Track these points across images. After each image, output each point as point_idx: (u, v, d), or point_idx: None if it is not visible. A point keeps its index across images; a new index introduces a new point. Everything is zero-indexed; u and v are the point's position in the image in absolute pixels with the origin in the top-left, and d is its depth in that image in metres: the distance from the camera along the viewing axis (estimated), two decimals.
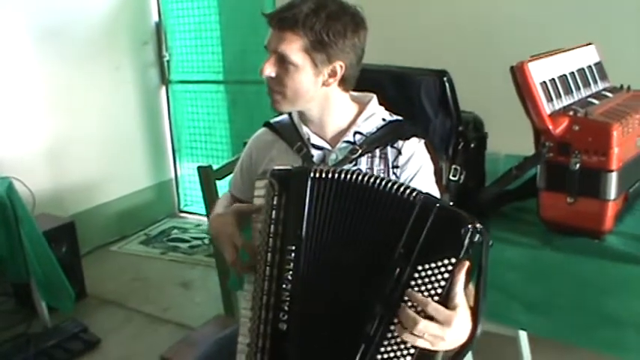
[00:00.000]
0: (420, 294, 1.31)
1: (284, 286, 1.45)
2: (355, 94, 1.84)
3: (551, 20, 3.39)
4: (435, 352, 1.34)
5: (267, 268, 1.47)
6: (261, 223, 1.54)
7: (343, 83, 1.74)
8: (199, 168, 2.42)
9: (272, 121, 1.92)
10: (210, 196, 2.41)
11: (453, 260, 1.29)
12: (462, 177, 2.09)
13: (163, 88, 5.35)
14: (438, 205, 1.35)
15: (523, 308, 2.00)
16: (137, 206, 5.15)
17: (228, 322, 1.69)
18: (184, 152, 5.47)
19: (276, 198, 1.49)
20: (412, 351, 1.34)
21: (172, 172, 5.52)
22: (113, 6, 4.84)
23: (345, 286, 1.42)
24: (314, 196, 1.46)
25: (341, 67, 1.68)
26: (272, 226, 1.48)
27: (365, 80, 1.90)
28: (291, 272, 1.45)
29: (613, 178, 1.89)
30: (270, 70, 1.68)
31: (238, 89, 4.82)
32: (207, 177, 2.42)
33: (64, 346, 3.39)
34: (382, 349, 1.35)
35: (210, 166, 2.43)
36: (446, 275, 1.30)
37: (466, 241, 1.30)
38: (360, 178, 1.43)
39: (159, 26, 5.20)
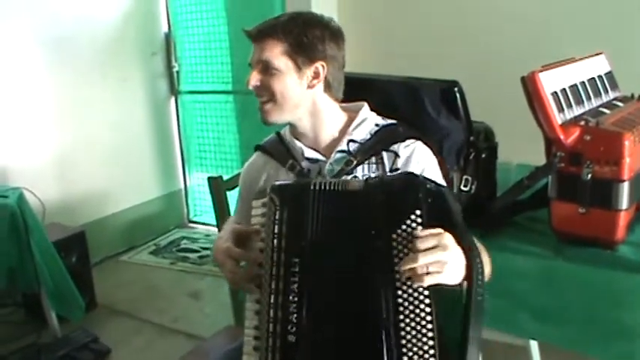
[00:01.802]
0: (404, 253, 1.37)
1: (290, 297, 1.46)
2: (346, 104, 1.86)
3: (562, 30, 3.39)
4: (451, 287, 1.37)
5: (273, 282, 1.48)
6: (262, 241, 1.54)
7: (329, 89, 1.78)
8: (210, 178, 2.42)
9: (261, 143, 1.96)
10: (220, 206, 2.41)
11: (418, 212, 1.39)
12: (474, 187, 2.09)
13: (173, 99, 5.36)
14: (379, 180, 1.52)
15: (534, 318, 1.99)
16: (147, 216, 5.16)
17: (238, 333, 1.68)
18: (194, 162, 5.48)
19: (277, 212, 1.51)
20: (427, 301, 1.36)
21: (182, 183, 5.53)
22: (122, 16, 4.86)
23: (346, 287, 1.45)
24: (315, 209, 1.50)
25: (323, 67, 1.73)
26: (275, 241, 1.50)
27: (375, 91, 1.90)
28: (296, 284, 1.46)
29: (625, 188, 1.88)
30: (255, 79, 1.75)
31: (247, 99, 4.77)
32: (218, 187, 2.41)
33: (74, 356, 3.38)
34: (402, 325, 1.36)
35: (220, 177, 2.43)
36: (420, 228, 1.38)
37: (420, 193, 1.41)
38: (346, 185, 1.53)
39: (168, 37, 5.22)
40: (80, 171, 4.59)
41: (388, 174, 1.73)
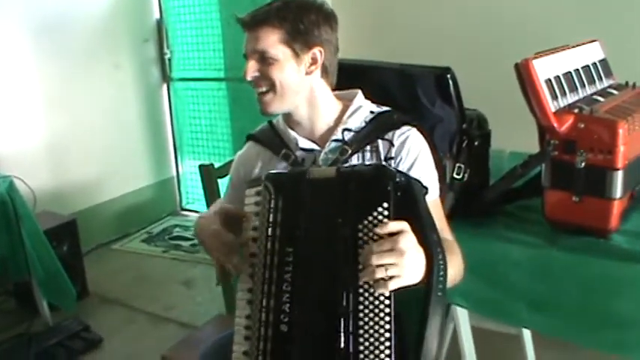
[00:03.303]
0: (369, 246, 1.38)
1: (284, 287, 1.46)
2: (340, 92, 1.84)
3: (556, 17, 3.38)
4: (409, 287, 1.38)
5: (267, 271, 1.48)
6: (255, 230, 1.54)
7: (325, 74, 1.75)
8: (201, 166, 2.41)
9: (253, 132, 1.93)
10: (211, 194, 2.40)
11: (386, 205, 1.40)
12: (466, 175, 2.08)
13: (165, 86, 5.34)
14: (350, 170, 1.53)
15: (528, 307, 1.99)
16: (139, 204, 5.14)
17: (229, 322, 1.68)
18: (186, 150, 5.47)
19: (272, 201, 1.51)
20: (387, 302, 1.37)
21: (174, 170, 5.51)
22: (113, 3, 4.83)
23: (326, 277, 1.46)
24: (309, 198, 1.50)
25: (320, 52, 1.70)
26: (269, 229, 1.50)
27: (368, 78, 1.88)
28: (290, 274, 1.46)
29: (619, 177, 1.86)
30: (253, 70, 1.71)
31: (240, 86, 4.75)
32: (209, 175, 2.40)
33: (65, 344, 3.38)
34: (361, 315, 1.38)
35: (211, 164, 2.42)
36: (386, 221, 1.40)
37: (390, 186, 1.42)
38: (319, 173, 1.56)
39: (160, 23, 5.19)
40: (71, 159, 4.57)
41: (365, 163, 1.73)
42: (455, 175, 2.08)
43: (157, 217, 5.30)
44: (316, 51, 1.70)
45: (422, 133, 1.78)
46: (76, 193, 4.58)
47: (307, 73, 1.71)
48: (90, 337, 3.47)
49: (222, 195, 2.31)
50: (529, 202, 2.18)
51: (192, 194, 5.53)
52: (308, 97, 1.75)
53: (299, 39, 1.67)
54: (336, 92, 1.83)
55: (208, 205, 2.38)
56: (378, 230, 1.37)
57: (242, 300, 1.55)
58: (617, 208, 1.91)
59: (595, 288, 1.87)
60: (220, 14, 4.83)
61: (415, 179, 1.53)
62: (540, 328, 2.07)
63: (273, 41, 1.66)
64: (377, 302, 1.37)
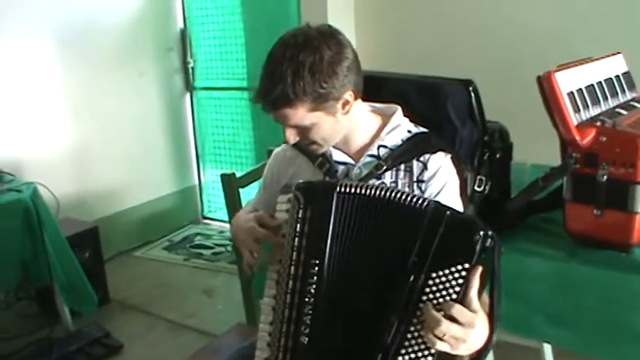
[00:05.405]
0: (435, 300, 1.33)
1: (306, 299, 1.46)
2: (378, 105, 1.82)
3: (579, 29, 3.37)
4: (454, 356, 1.36)
5: (290, 281, 1.47)
6: (284, 237, 1.54)
7: (358, 96, 1.69)
8: (223, 175, 2.42)
9: None
10: (233, 203, 2.41)
11: (467, 265, 1.31)
12: (487, 188, 2.07)
13: (188, 95, 5.38)
14: (448, 212, 1.37)
15: (548, 321, 1.98)
16: (161, 212, 5.17)
17: (250, 331, 1.68)
18: (208, 159, 5.49)
19: (301, 211, 1.50)
20: (430, 359, 1.35)
21: (196, 179, 5.54)
22: (138, 12, 4.87)
23: (362, 299, 1.43)
24: (339, 211, 1.47)
25: (350, 95, 1.63)
26: (296, 239, 1.49)
27: (390, 90, 1.88)
28: (314, 286, 1.46)
29: None
30: (293, 137, 1.68)
31: None
32: (231, 184, 2.41)
33: (86, 350, 3.40)
34: (400, 358, 1.37)
35: (233, 174, 2.43)
36: (460, 281, 1.32)
37: (478, 247, 1.31)
38: (378, 191, 1.45)
39: (184, 33, 5.23)
40: (94, 166, 4.61)
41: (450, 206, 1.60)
42: (476, 188, 2.07)
43: (178, 225, 5.32)
44: (346, 96, 1.62)
45: (455, 161, 1.77)
46: (98, 201, 4.62)
47: (344, 114, 1.66)
48: (110, 344, 3.49)
49: (243, 204, 2.32)
50: (550, 214, 2.18)
51: (214, 203, 5.55)
52: (348, 126, 1.72)
53: (325, 101, 1.59)
54: (374, 105, 1.81)
55: (230, 213, 2.39)
56: (456, 306, 1.31)
57: (267, 306, 1.55)
58: (638, 221, 1.89)
59: (616, 302, 1.86)
60: (244, 24, 4.87)
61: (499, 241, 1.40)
62: (560, 342, 2.06)
63: (301, 116, 1.60)
64: (419, 354, 1.36)
